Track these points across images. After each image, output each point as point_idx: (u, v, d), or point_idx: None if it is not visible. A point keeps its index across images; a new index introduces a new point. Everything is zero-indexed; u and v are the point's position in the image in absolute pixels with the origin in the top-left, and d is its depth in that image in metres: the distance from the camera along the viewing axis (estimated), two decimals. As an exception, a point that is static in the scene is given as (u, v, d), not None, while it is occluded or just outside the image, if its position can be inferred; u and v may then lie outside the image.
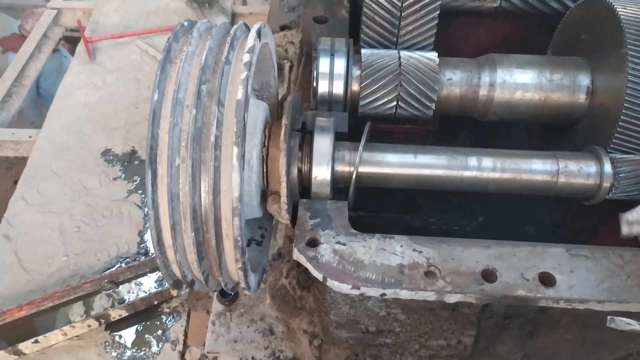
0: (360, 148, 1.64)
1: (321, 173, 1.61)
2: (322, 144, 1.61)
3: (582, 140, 1.90)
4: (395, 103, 1.94)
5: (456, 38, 2.79)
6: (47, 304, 3.12)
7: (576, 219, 2.54)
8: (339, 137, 1.76)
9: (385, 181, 1.72)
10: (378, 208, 2.93)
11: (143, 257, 3.49)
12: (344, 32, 2.25)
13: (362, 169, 1.69)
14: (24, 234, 3.60)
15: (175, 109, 1.33)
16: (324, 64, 1.90)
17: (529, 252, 1.55)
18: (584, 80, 1.90)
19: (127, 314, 3.17)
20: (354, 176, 1.63)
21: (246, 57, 1.39)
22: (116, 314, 3.14)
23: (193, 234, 1.34)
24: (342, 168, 1.67)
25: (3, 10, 7.58)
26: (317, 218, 1.61)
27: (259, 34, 1.50)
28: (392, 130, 2.36)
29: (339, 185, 1.71)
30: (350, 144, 1.71)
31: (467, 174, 1.69)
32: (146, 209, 2.87)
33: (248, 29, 1.59)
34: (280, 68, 2.50)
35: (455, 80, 1.94)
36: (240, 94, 1.33)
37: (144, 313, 3.21)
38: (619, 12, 1.75)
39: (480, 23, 2.73)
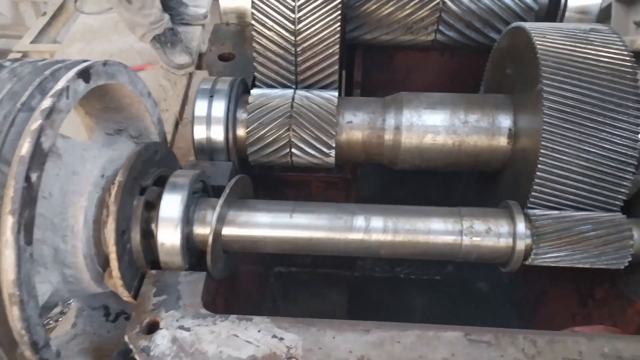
0: (218, 207, 1.36)
1: (169, 239, 1.34)
2: (170, 203, 1.34)
3: (507, 193, 1.61)
4: (288, 150, 1.67)
5: (401, 74, 2.57)
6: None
7: (527, 277, 2.22)
8: (216, 192, 1.50)
9: (256, 245, 1.43)
10: (315, 262, 2.63)
11: None
12: (250, 71, 2.01)
13: (227, 232, 1.41)
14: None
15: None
16: (200, 106, 1.65)
17: (417, 338, 1.24)
18: (505, 121, 1.63)
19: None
20: (209, 241, 1.35)
21: (46, 103, 1.13)
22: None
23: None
24: (202, 231, 1.39)
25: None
26: (164, 294, 1.32)
27: (83, 73, 1.25)
28: (307, 180, 2.10)
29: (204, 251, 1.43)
30: (217, 202, 1.44)
31: (353, 236, 1.40)
32: None
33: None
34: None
35: (356, 123, 1.68)
36: (25, 149, 1.06)
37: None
38: (536, 43, 1.49)
39: (425, 58, 2.51)
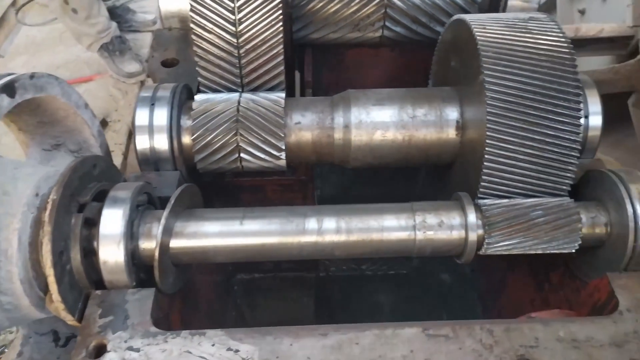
0: (163, 219, 1.30)
1: (112, 256, 1.27)
2: (111, 219, 1.28)
3: (459, 186, 1.61)
4: (237, 155, 1.63)
5: (352, 72, 2.56)
6: None
7: (487, 266, 2.25)
8: (163, 203, 1.44)
9: (207, 256, 1.38)
10: (277, 266, 2.59)
11: None
12: (196, 76, 1.96)
13: (176, 244, 1.36)
14: None
15: None
16: (141, 115, 1.58)
17: (375, 338, 1.22)
18: (452, 113, 1.63)
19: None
20: (156, 255, 1.29)
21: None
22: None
23: None
24: (148, 245, 1.34)
25: None
26: (110, 315, 1.25)
27: (6, 88, 1.18)
28: (261, 184, 2.06)
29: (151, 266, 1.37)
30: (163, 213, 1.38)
31: (306, 239, 1.37)
32: None
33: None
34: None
35: (304, 124, 1.65)
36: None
37: None
38: (476, 34, 1.50)
39: (376, 55, 2.50)
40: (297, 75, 2.38)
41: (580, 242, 1.38)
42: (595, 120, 1.57)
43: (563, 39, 1.48)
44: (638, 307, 1.24)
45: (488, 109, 1.39)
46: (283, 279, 2.54)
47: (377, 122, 1.62)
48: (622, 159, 3.28)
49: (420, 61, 2.41)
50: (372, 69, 2.55)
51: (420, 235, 1.37)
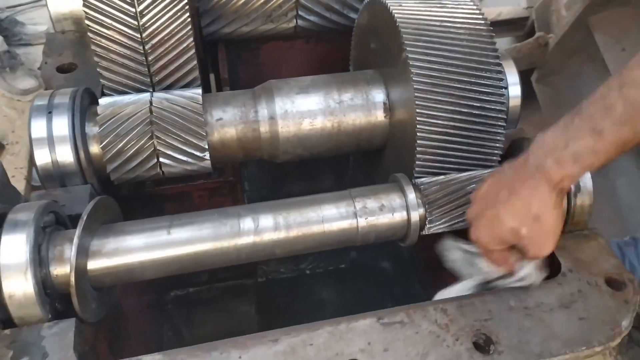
0: (76, 238, 1.14)
1: (19, 288, 1.10)
2: (12, 246, 1.10)
3: (392, 168, 1.58)
4: (155, 160, 1.49)
5: (269, 67, 2.46)
6: None
7: (424, 248, 2.25)
8: (74, 221, 1.26)
9: (133, 274, 1.24)
10: (213, 277, 2.44)
11: None
12: (98, 79, 1.77)
13: (94, 265, 1.20)
14: None
15: None
16: (37, 126, 1.39)
17: (330, 336, 1.14)
18: (378, 95, 1.59)
19: None
20: (72, 281, 1.13)
21: None
22: None
23: None
24: (62, 270, 1.17)
25: None
26: (25, 356, 1.08)
27: None
28: (186, 190, 1.92)
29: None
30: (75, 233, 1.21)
31: (243, 241, 1.27)
32: None
33: None
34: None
35: (227, 120, 1.54)
36: None
37: None
38: (394, 12, 1.46)
39: (292, 47, 2.42)
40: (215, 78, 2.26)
41: (516, 210, 1.39)
42: (515, 90, 1.60)
43: (477, 12, 1.49)
44: (578, 266, 1.27)
45: (415, 86, 1.37)
46: (220, 290, 2.40)
47: (304, 110, 1.54)
48: (530, 134, 3.47)
49: (337, 50, 2.37)
50: (289, 63, 2.47)
51: (362, 222, 1.31)
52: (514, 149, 1.52)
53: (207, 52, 2.19)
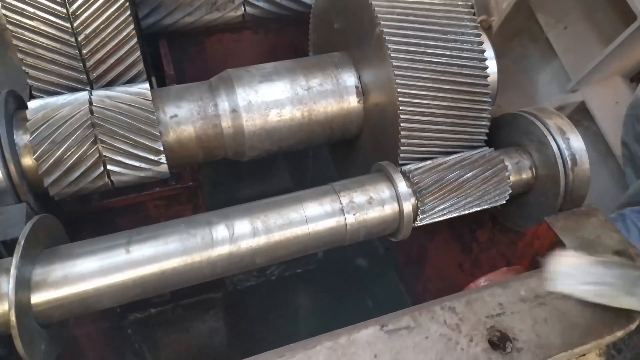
0: (13, 268, 0.93)
1: (-60, 340, 0.87)
2: None
3: (371, 157, 1.44)
4: (102, 169, 1.28)
5: (217, 62, 2.27)
6: None
7: (404, 240, 2.15)
8: (9, 248, 1.04)
9: (88, 304, 1.03)
10: (176, 294, 2.23)
11: None
12: (23, 81, 1.52)
13: (40, 298, 0.99)
14: None
15: None
16: (-50, 138, 1.15)
17: (330, 352, 0.99)
18: (350, 79, 1.45)
19: None
20: (12, 319, 0.91)
21: None
22: None
23: None
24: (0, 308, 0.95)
25: None
26: None
27: None
28: (140, 201, 1.71)
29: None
30: (12, 261, 0.99)
31: (218, 252, 1.09)
32: None
33: None
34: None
35: (183, 116, 1.35)
36: None
37: None
38: (362, -16, 1.33)
39: (240, 39, 2.25)
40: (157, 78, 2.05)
41: (510, 192, 1.29)
42: (492, 65, 1.50)
43: (449, -20, 1.38)
44: (583, 245, 1.18)
45: (394, 63, 1.24)
46: (186, 307, 2.19)
47: (269, 100, 1.38)
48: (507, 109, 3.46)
49: (289, 41, 2.22)
50: (238, 56, 2.30)
51: (350, 218, 1.17)
52: (499, 126, 1.43)
53: (147, 47, 1.98)
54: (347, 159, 1.68)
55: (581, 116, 3.48)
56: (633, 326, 1.05)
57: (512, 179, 1.30)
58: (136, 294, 1.07)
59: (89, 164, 1.25)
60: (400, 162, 1.28)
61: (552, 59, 3.71)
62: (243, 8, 2.01)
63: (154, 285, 1.06)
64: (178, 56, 2.12)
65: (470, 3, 1.34)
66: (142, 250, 1.05)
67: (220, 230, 1.09)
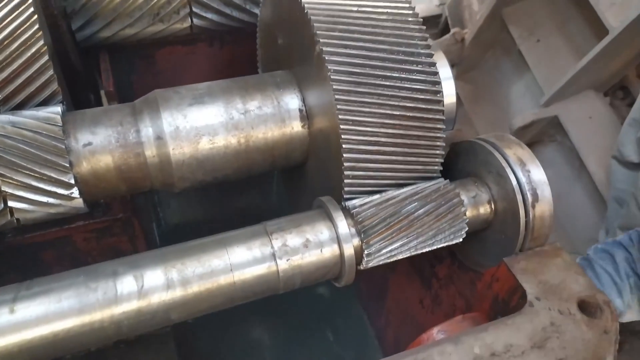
0: None
1: None
2: None
3: (318, 188, 1.30)
4: (2, 206, 1.11)
5: (168, 76, 2.11)
6: None
7: (365, 271, 2.01)
8: None
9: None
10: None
11: None
12: None
13: None
14: None
15: None
16: None
17: None
18: (292, 101, 1.31)
19: None
20: None
21: None
22: None
23: None
24: None
25: None
26: None
27: None
28: (65, 235, 1.53)
29: None
30: None
31: (123, 309, 0.93)
32: None
33: None
34: None
35: (98, 144, 1.18)
36: None
37: None
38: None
39: (193, 52, 2.09)
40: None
41: (467, 229, 1.16)
42: (449, 86, 1.37)
43: (400, -4, 1.25)
44: (546, 292, 1.05)
45: (334, 86, 1.10)
46: (128, 345, 2.01)
47: (200, 126, 1.23)
48: (468, 135, 3.36)
49: (247, 53, 2.07)
50: (191, 70, 2.15)
51: (283, 264, 1.02)
52: (456, 154, 1.30)
53: (88, 62, 1.83)
54: (296, 185, 1.54)
55: (555, 130, 3.40)
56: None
57: (468, 214, 1.17)
58: (23, 361, 0.90)
59: (-14, 201, 1.09)
60: (345, 196, 1.14)
61: (525, 72, 3.65)
62: (190, 20, 1.87)
63: (45, 351, 0.90)
64: (124, 70, 1.96)
65: (421, 19, 1.21)
66: (30, 309, 0.89)
67: (126, 283, 0.93)
